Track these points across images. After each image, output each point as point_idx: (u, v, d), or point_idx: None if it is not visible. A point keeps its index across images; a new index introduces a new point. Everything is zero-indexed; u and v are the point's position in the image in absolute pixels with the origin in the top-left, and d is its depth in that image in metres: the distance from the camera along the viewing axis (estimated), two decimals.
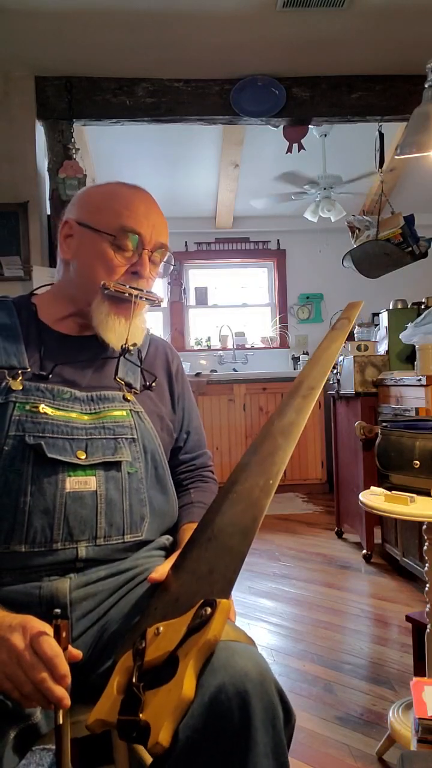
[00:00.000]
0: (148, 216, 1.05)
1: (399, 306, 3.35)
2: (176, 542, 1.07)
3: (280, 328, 5.61)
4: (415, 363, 2.73)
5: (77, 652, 0.78)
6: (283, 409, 0.94)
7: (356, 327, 3.87)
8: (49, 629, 0.77)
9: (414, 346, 2.80)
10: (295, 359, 5.47)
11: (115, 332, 1.04)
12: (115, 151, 4.40)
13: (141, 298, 1.05)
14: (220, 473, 1.24)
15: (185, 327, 5.63)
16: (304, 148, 3.85)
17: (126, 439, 1.00)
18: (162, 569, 0.91)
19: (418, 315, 2.99)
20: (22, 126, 3.18)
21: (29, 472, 0.92)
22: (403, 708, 1.57)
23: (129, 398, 1.05)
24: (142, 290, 1.05)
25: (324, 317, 5.57)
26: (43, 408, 0.96)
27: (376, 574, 2.95)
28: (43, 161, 3.29)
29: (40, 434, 0.94)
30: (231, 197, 5.12)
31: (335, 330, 1.06)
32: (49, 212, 3.30)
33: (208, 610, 0.74)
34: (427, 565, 1.53)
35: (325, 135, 4.36)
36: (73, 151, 3.25)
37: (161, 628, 0.78)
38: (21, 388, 0.97)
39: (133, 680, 0.75)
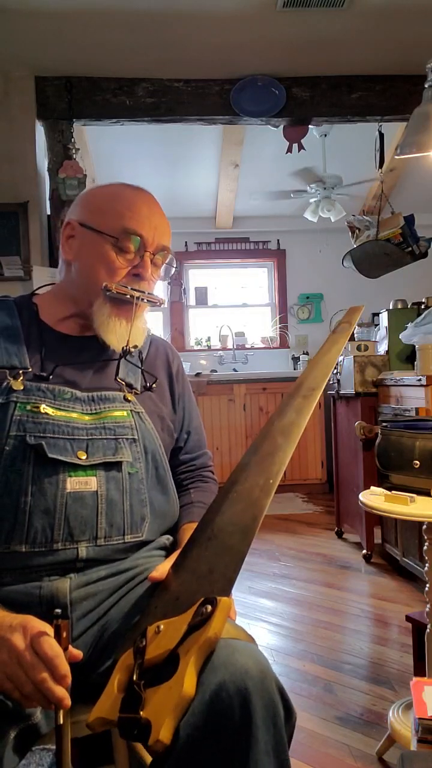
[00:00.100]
0: (150, 218, 1.05)
1: (399, 306, 3.35)
2: (176, 542, 1.08)
3: (280, 328, 5.61)
4: (415, 363, 2.73)
5: (77, 652, 0.78)
6: (284, 409, 0.94)
7: (356, 327, 3.87)
8: (49, 629, 0.77)
9: (414, 346, 2.80)
10: (295, 359, 5.47)
11: (116, 334, 1.04)
12: (115, 151, 4.39)
13: (142, 299, 1.05)
14: (220, 473, 1.24)
15: (185, 327, 5.63)
16: (304, 148, 3.85)
17: (127, 439, 1.01)
18: (162, 568, 0.91)
19: (418, 315, 2.99)
20: (22, 126, 3.18)
21: (30, 472, 0.92)
22: (403, 708, 1.57)
23: (130, 399, 1.05)
24: (143, 292, 1.05)
25: (324, 317, 5.57)
26: (44, 408, 0.96)
27: (376, 574, 2.95)
28: (43, 161, 3.29)
29: (41, 434, 0.94)
30: (231, 197, 5.12)
31: (336, 333, 1.06)
32: (49, 212, 3.30)
33: (209, 608, 0.74)
34: (427, 565, 1.53)
35: (325, 135, 4.36)
36: (73, 151, 3.25)
37: (162, 627, 0.78)
38: (22, 388, 0.97)
39: (134, 678, 0.76)
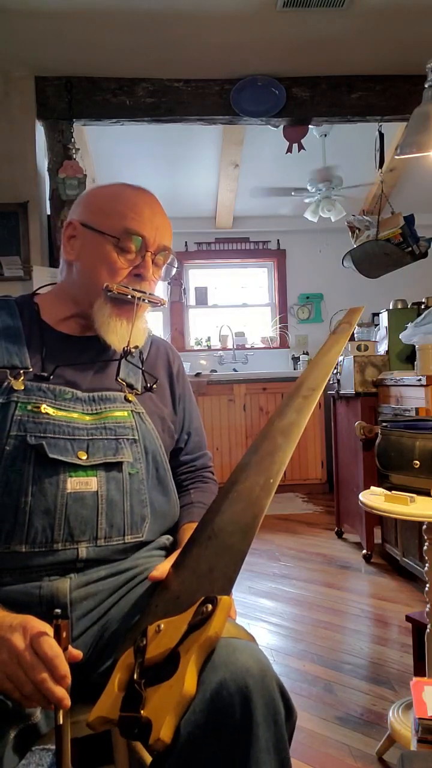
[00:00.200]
0: (152, 219, 1.05)
1: (399, 306, 3.35)
2: (176, 542, 1.08)
3: (280, 328, 5.61)
4: (415, 363, 2.73)
5: (77, 653, 0.78)
6: (284, 409, 0.94)
7: (356, 327, 3.87)
8: (49, 629, 0.77)
9: (414, 346, 2.80)
10: (295, 359, 5.47)
11: (117, 334, 1.04)
12: (115, 151, 4.40)
13: (144, 300, 1.05)
14: (220, 473, 1.24)
15: (185, 327, 5.63)
16: (304, 148, 3.85)
17: (127, 439, 1.01)
18: (162, 568, 0.91)
19: (418, 315, 2.99)
20: (22, 126, 3.18)
21: (30, 472, 0.92)
22: (403, 708, 1.57)
23: (130, 399, 1.05)
24: (144, 292, 1.05)
25: (324, 317, 5.57)
26: (45, 408, 0.96)
27: (376, 574, 2.95)
28: (43, 161, 3.29)
29: (42, 434, 0.94)
30: (231, 197, 5.12)
31: (336, 334, 1.06)
32: (49, 212, 3.30)
33: (209, 607, 0.75)
34: (427, 565, 1.53)
35: (325, 135, 4.36)
36: (73, 151, 3.25)
37: (162, 626, 0.79)
38: (23, 388, 0.97)
39: (135, 677, 0.76)
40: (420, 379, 2.61)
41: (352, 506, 3.31)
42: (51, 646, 0.75)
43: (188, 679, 0.72)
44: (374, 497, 1.45)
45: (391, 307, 3.35)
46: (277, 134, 3.82)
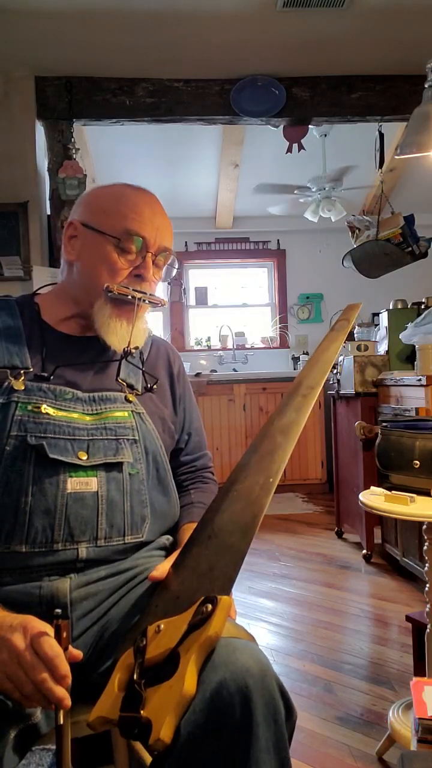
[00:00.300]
0: (152, 219, 1.05)
1: (399, 306, 3.35)
2: (176, 542, 1.08)
3: (280, 328, 5.61)
4: (415, 363, 2.73)
5: (78, 653, 0.78)
6: (283, 408, 0.94)
7: (356, 327, 3.87)
8: (49, 629, 0.77)
9: (414, 346, 2.80)
10: (295, 359, 5.47)
11: (117, 335, 1.04)
12: (115, 151, 4.40)
13: (144, 300, 1.05)
14: (220, 473, 1.24)
15: (185, 327, 5.63)
16: (304, 148, 3.85)
17: (127, 440, 1.01)
18: (162, 567, 0.91)
19: (418, 315, 2.99)
20: (22, 126, 3.18)
21: (30, 473, 0.92)
22: (403, 708, 1.57)
23: (131, 399, 1.05)
24: (145, 293, 1.05)
25: (324, 317, 5.57)
26: (45, 408, 0.96)
27: (376, 574, 2.95)
28: (43, 161, 3.29)
29: (42, 434, 0.94)
30: (231, 197, 5.12)
31: (334, 331, 1.06)
32: (49, 212, 3.30)
33: (209, 606, 0.75)
34: (427, 565, 1.53)
35: (325, 135, 4.36)
36: (73, 151, 3.25)
37: (162, 626, 0.79)
38: (23, 388, 0.97)
39: (135, 677, 0.76)
40: (420, 379, 2.61)
41: (352, 506, 3.31)
42: (51, 646, 0.75)
43: (188, 679, 0.72)
44: (374, 497, 1.45)
45: (391, 307, 3.35)
46: (277, 134, 3.82)
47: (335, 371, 3.55)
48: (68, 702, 0.74)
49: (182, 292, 5.54)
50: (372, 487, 1.51)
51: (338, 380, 3.53)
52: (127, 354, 1.05)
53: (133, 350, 1.07)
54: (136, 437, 1.02)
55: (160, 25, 2.80)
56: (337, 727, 1.68)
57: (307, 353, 5.42)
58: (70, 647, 0.77)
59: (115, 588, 0.96)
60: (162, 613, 0.82)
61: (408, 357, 3.15)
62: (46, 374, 1.00)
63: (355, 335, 3.80)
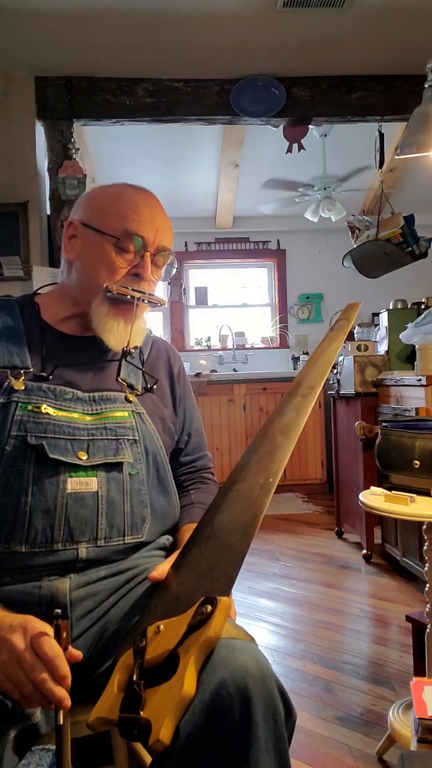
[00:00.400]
0: (152, 219, 1.05)
1: (399, 306, 3.35)
2: (176, 542, 1.08)
3: (280, 328, 5.61)
4: (415, 363, 2.73)
5: (77, 653, 0.78)
6: (283, 408, 0.94)
7: (356, 327, 3.87)
8: (49, 629, 0.77)
9: (414, 346, 2.80)
10: (295, 359, 5.47)
11: (114, 334, 1.04)
12: (115, 151, 4.40)
13: (143, 300, 1.05)
14: (220, 473, 1.24)
15: (185, 327, 5.63)
16: (304, 148, 3.85)
17: (128, 440, 1.00)
18: (162, 568, 0.91)
19: (418, 315, 2.99)
20: (22, 126, 3.18)
21: (30, 473, 0.92)
22: (403, 708, 1.57)
23: (131, 399, 1.05)
24: (144, 292, 1.05)
25: (324, 317, 5.57)
26: (45, 408, 0.96)
27: (376, 574, 2.95)
28: (43, 161, 3.29)
29: (42, 434, 0.94)
30: (231, 197, 5.12)
31: (334, 330, 1.06)
32: (49, 212, 3.30)
33: (209, 607, 0.74)
34: (427, 565, 1.53)
35: (325, 135, 4.36)
36: (73, 151, 3.24)
37: (162, 627, 0.78)
38: (23, 388, 0.97)
39: (134, 678, 0.76)
40: (420, 379, 2.61)
41: (352, 506, 3.31)
42: (51, 646, 0.75)
43: (187, 680, 0.72)
44: (374, 497, 1.45)
45: (391, 307, 3.35)
46: (277, 134, 3.82)
47: (335, 371, 3.55)
48: (68, 702, 0.74)
49: (182, 292, 5.54)
50: (372, 487, 1.51)
51: (338, 380, 3.53)
52: (126, 354, 1.05)
53: (133, 350, 1.07)
54: (136, 437, 1.02)
55: (160, 25, 2.80)
56: (337, 727, 1.68)
57: (307, 353, 5.42)
58: (69, 647, 0.77)
59: (115, 588, 0.96)
60: (161, 613, 0.82)
61: (408, 357, 3.15)
62: (45, 374, 1.00)
63: (355, 335, 3.80)
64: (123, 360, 1.07)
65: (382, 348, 3.35)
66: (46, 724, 0.87)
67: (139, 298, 1.04)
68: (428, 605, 1.52)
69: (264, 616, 2.49)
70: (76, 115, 3.24)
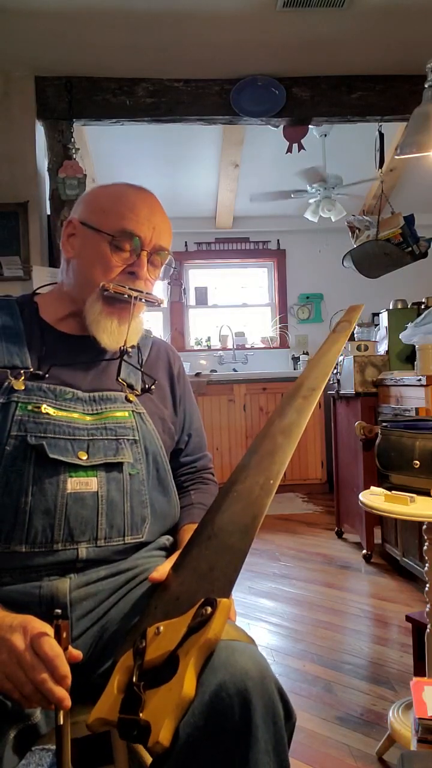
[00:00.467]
0: (150, 218, 1.05)
1: (399, 306, 3.35)
2: (176, 543, 1.07)
3: (280, 328, 5.61)
4: (415, 363, 2.73)
5: (78, 653, 0.78)
6: (284, 409, 0.94)
7: (356, 327, 3.87)
8: (49, 629, 0.77)
9: (414, 346, 2.80)
10: (295, 359, 5.47)
11: (107, 333, 1.04)
12: (115, 151, 4.39)
13: (140, 299, 1.05)
14: (220, 473, 1.24)
15: (185, 327, 5.63)
16: (304, 148, 3.85)
17: (128, 440, 1.00)
18: (162, 569, 0.91)
19: (418, 315, 2.99)
20: (22, 126, 3.18)
21: (30, 473, 0.92)
22: (403, 708, 1.57)
23: (131, 399, 1.05)
24: (141, 292, 1.05)
25: (324, 317, 5.57)
26: (45, 408, 0.96)
27: (376, 574, 2.95)
28: (43, 161, 3.28)
29: (42, 434, 0.94)
30: (231, 197, 5.12)
31: (336, 332, 1.06)
32: (49, 212, 3.30)
33: (209, 609, 0.74)
34: (427, 565, 1.53)
35: (325, 135, 4.36)
36: (73, 151, 3.24)
37: (161, 628, 0.78)
38: (23, 388, 0.97)
39: (134, 680, 0.76)
40: (420, 379, 2.61)
41: (352, 506, 3.31)
42: (51, 646, 0.75)
43: (187, 681, 0.72)
44: (374, 497, 1.45)
45: (391, 307, 3.35)
46: (277, 134, 3.82)
47: (335, 371, 3.55)
48: (68, 702, 0.74)
49: (182, 292, 5.54)
50: (372, 487, 1.51)
51: (338, 380, 3.53)
52: (123, 353, 1.05)
53: (130, 350, 1.06)
54: (137, 437, 1.02)
55: (160, 25, 2.80)
56: (337, 727, 1.68)
57: (307, 353, 5.42)
58: (69, 647, 0.77)
59: (115, 588, 0.96)
60: (161, 614, 0.82)
61: (408, 357, 3.15)
62: (40, 373, 1.00)
63: (355, 335, 3.80)
64: (123, 360, 1.06)
65: (382, 348, 3.35)
66: (46, 724, 0.87)
67: (136, 297, 1.04)
68: (428, 605, 1.52)
69: (264, 616, 2.49)
70: (76, 115, 3.24)
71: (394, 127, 3.93)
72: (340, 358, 3.47)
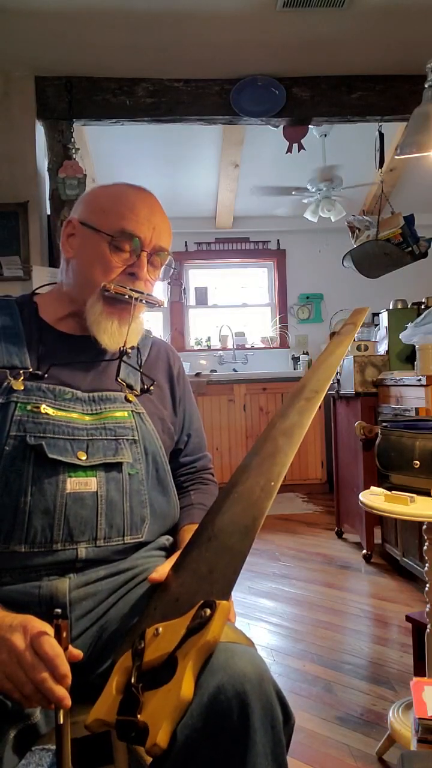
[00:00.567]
0: (150, 218, 1.04)
1: (399, 306, 3.35)
2: (176, 543, 1.07)
3: (280, 328, 5.61)
4: (415, 363, 2.73)
5: (78, 652, 0.78)
6: (286, 410, 0.94)
7: None
8: (49, 629, 0.77)
9: (414, 346, 2.80)
10: (295, 359, 5.47)
11: (108, 333, 1.04)
12: (115, 151, 4.39)
13: (141, 300, 1.05)
14: (220, 474, 1.24)
15: (185, 327, 5.63)
16: (304, 148, 3.85)
17: (127, 440, 1.00)
18: (162, 569, 0.91)
19: (418, 315, 2.99)
20: (22, 126, 3.18)
21: (30, 473, 0.92)
22: (403, 708, 1.57)
23: (131, 399, 1.05)
24: (142, 293, 1.05)
25: (324, 317, 5.57)
26: (45, 408, 0.96)
27: (376, 574, 2.95)
28: (43, 161, 3.29)
29: (41, 434, 0.94)
30: (231, 197, 5.12)
31: (341, 335, 1.05)
32: (49, 212, 3.30)
33: (208, 611, 0.74)
34: (427, 565, 1.53)
35: (325, 135, 4.36)
36: (73, 151, 3.24)
37: (160, 629, 0.78)
38: (22, 388, 0.97)
39: (132, 681, 0.75)
40: (420, 379, 2.61)
41: (352, 506, 3.31)
42: (52, 645, 0.75)
43: (185, 683, 0.71)
44: (374, 497, 1.45)
45: (391, 307, 3.35)
46: (277, 134, 3.82)
47: (335, 371, 3.54)
48: (68, 702, 0.74)
49: (182, 292, 5.54)
50: (372, 487, 1.51)
51: (338, 380, 3.53)
52: (123, 353, 1.05)
53: (129, 350, 1.06)
54: (136, 437, 1.02)
55: (160, 25, 2.80)
56: (337, 727, 1.68)
57: (307, 353, 5.42)
58: (69, 647, 0.77)
59: (115, 588, 0.96)
60: (160, 615, 0.81)
61: (408, 357, 3.15)
62: (39, 373, 1.00)
63: (356, 335, 3.79)
64: (122, 360, 1.06)
65: (382, 348, 3.35)
66: (46, 724, 0.87)
67: (136, 299, 1.04)
68: (428, 605, 1.52)
69: (264, 616, 2.49)
70: (76, 115, 3.24)
71: (394, 127, 3.93)
72: None
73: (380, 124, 3.46)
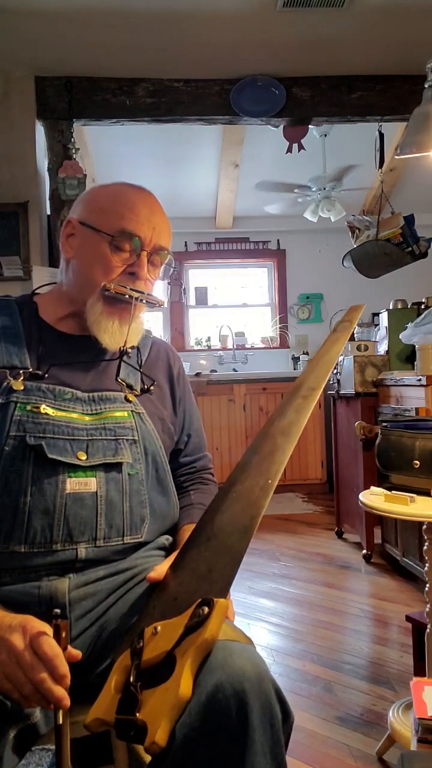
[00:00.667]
0: (149, 218, 1.04)
1: (399, 306, 3.35)
2: (175, 543, 1.07)
3: (280, 328, 5.61)
4: (415, 363, 2.73)
5: (77, 652, 0.78)
6: (284, 409, 0.94)
7: (356, 327, 3.87)
8: (48, 629, 0.77)
9: (414, 346, 2.80)
10: (295, 359, 5.47)
11: (108, 333, 1.04)
12: (115, 151, 4.40)
13: (141, 300, 1.05)
14: (219, 473, 1.24)
15: (185, 327, 5.63)
16: (304, 148, 3.85)
17: (127, 440, 1.00)
18: (161, 569, 0.91)
19: (418, 315, 2.99)
20: (22, 126, 3.18)
21: (29, 473, 0.92)
22: (403, 708, 1.57)
23: (131, 399, 1.05)
24: (142, 293, 1.05)
25: (324, 317, 5.57)
26: (44, 408, 0.96)
27: (376, 574, 2.95)
28: (43, 161, 3.29)
29: (41, 435, 0.94)
30: (231, 197, 5.12)
31: (337, 332, 1.05)
32: (49, 212, 3.30)
33: (206, 609, 0.74)
34: (427, 565, 1.53)
35: (325, 135, 4.36)
36: (73, 151, 3.24)
37: (159, 628, 0.78)
38: (22, 388, 0.97)
39: (131, 680, 0.75)
40: (420, 379, 2.61)
41: (352, 506, 3.31)
42: (51, 646, 0.75)
43: (184, 682, 0.71)
44: (374, 497, 1.45)
45: (391, 307, 3.35)
46: (277, 134, 3.82)
47: (335, 371, 3.55)
48: (67, 702, 0.74)
49: (182, 292, 5.54)
50: (372, 487, 1.51)
51: (338, 380, 3.53)
52: (123, 353, 1.05)
53: (129, 350, 1.06)
54: (136, 437, 1.02)
55: (160, 25, 2.80)
56: (337, 727, 1.68)
57: (307, 353, 5.43)
58: (69, 647, 0.77)
59: (114, 588, 0.96)
60: (159, 614, 0.81)
61: (408, 357, 3.15)
62: (39, 372, 1.00)
63: (355, 335, 3.79)
64: (122, 360, 1.06)
65: (382, 348, 3.35)
66: (45, 724, 0.87)
67: (137, 298, 1.04)
68: (428, 605, 1.52)
69: (264, 616, 2.49)
70: (76, 115, 3.24)
71: (394, 127, 3.93)
72: (340, 358, 3.47)
73: (380, 124, 3.46)
